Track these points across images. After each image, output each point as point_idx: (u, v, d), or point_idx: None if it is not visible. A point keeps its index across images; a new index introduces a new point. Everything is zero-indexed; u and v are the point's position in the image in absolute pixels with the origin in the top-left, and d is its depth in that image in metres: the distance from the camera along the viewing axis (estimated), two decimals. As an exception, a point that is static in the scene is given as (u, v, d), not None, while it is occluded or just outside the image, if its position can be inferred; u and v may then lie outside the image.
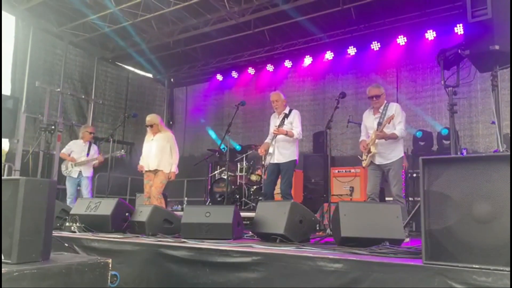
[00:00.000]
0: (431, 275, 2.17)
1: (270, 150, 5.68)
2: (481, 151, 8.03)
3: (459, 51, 4.12)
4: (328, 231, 4.06)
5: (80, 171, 7.41)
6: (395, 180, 4.79)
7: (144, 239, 3.66)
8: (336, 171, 7.70)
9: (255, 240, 4.00)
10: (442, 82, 4.19)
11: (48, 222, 2.67)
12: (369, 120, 5.06)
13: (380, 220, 3.40)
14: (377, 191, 4.93)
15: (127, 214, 4.70)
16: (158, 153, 6.24)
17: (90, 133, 7.70)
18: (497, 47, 3.08)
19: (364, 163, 5.01)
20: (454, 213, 2.21)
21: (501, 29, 3.12)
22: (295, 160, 5.70)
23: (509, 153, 2.08)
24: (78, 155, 7.45)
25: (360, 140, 5.19)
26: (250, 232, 4.22)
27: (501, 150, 3.07)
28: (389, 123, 4.70)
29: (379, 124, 4.83)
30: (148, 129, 6.48)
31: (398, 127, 4.81)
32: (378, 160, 4.88)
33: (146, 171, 6.34)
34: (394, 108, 4.87)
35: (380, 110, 4.95)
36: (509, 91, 5.57)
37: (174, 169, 6.27)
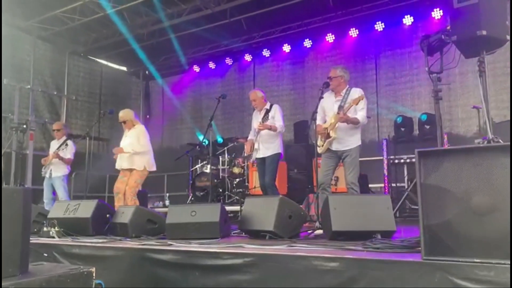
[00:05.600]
0: (431, 271, 2.10)
1: (256, 146, 5.68)
2: (462, 134, 8.12)
3: (443, 37, 4.07)
4: (317, 224, 3.98)
5: (51, 171, 7.06)
6: (351, 168, 4.58)
7: (128, 242, 3.51)
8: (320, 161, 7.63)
9: (243, 237, 3.90)
10: (427, 68, 4.13)
11: (25, 233, 2.50)
12: (329, 102, 4.77)
13: (371, 212, 3.34)
14: (329, 180, 4.68)
15: (108, 215, 4.53)
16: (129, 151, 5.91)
17: (56, 130, 7.37)
18: (484, 32, 3.03)
19: (320, 149, 4.73)
20: (453, 206, 2.14)
21: (488, 14, 3.06)
22: (280, 153, 5.73)
23: (509, 143, 2.01)
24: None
25: (316, 124, 4.79)
26: (238, 229, 4.10)
27: (490, 137, 3.02)
28: (356, 104, 4.48)
29: (340, 107, 4.61)
30: (123, 125, 6.20)
31: (360, 113, 4.59)
32: (335, 146, 4.64)
33: (122, 168, 6.05)
34: (357, 93, 4.64)
35: (342, 94, 4.72)
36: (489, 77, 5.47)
37: (125, 146, 5.88)
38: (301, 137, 9.00)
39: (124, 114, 6.15)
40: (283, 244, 3.04)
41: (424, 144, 7.82)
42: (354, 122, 4.51)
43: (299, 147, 8.75)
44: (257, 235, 3.68)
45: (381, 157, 8.03)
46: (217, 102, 5.66)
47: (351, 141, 4.58)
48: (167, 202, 9.24)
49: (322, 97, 4.57)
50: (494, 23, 3.07)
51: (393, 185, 8.00)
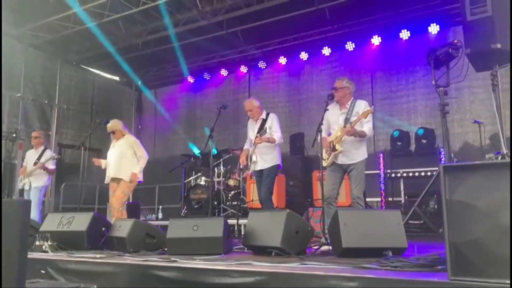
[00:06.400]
0: (459, 293, 1.99)
1: (254, 158, 5.46)
2: (457, 149, 8.10)
3: (450, 50, 4.04)
4: (323, 239, 3.85)
5: (31, 182, 6.79)
6: (357, 181, 4.46)
7: (129, 258, 3.34)
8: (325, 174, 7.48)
9: (246, 253, 3.77)
10: (433, 82, 4.10)
11: (23, 248, 2.35)
12: (334, 114, 4.65)
13: (381, 228, 3.24)
14: (335, 194, 4.53)
15: (103, 229, 4.37)
16: (118, 160, 5.74)
17: (35, 137, 7.08)
18: (499, 45, 2.98)
19: (325, 163, 4.57)
20: (481, 224, 2.04)
21: (502, 27, 3.02)
22: (278, 164, 5.53)
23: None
24: (30, 165, 6.87)
25: (322, 136, 4.62)
26: (242, 244, 3.95)
27: (504, 152, 2.96)
28: (365, 118, 4.37)
29: (347, 120, 4.50)
30: (112, 136, 6.02)
31: (366, 126, 4.47)
32: (341, 160, 4.51)
33: (110, 181, 5.84)
34: (363, 105, 4.53)
35: (347, 106, 4.60)
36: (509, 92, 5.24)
37: (137, 170, 5.74)
38: (297, 149, 8.92)
39: (113, 124, 5.99)
40: (293, 261, 2.90)
41: (421, 159, 7.79)
42: (361, 135, 4.41)
43: (295, 159, 8.68)
44: (262, 251, 3.54)
45: (378, 171, 7.96)
46: (218, 113, 5.52)
47: (357, 154, 4.47)
48: (160, 215, 9.03)
49: (327, 109, 4.46)
50: (508, 36, 3.02)
51: (390, 199, 7.92)
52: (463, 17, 3.21)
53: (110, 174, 5.79)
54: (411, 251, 3.27)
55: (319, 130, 4.22)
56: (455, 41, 4.00)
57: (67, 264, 3.31)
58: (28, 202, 2.45)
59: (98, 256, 3.46)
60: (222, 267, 2.70)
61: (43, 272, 3.00)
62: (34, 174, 6.79)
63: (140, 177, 5.88)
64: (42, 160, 6.81)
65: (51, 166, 6.87)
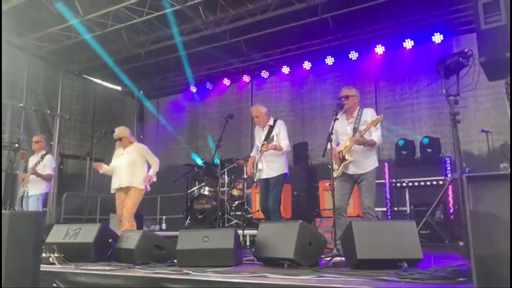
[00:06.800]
0: (486, 306, 1.95)
1: (259, 166, 5.37)
2: (462, 157, 8.07)
3: (460, 59, 4.02)
4: (335, 251, 3.79)
5: (28, 189, 6.48)
6: (368, 191, 4.40)
7: (139, 270, 3.28)
8: (327, 184, 7.40)
9: (257, 265, 3.71)
10: (444, 91, 4.07)
11: (36, 261, 2.31)
12: (341, 124, 4.59)
13: (396, 239, 3.20)
14: (345, 205, 4.47)
15: (110, 240, 4.30)
16: (131, 167, 5.57)
17: (36, 142, 6.80)
18: (514, 54, 2.95)
19: (336, 173, 4.51)
20: (507, 235, 2.00)
21: (517, 36, 2.99)
22: (285, 173, 5.42)
23: None
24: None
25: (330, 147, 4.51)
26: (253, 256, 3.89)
27: (520, 161, 2.92)
28: (374, 126, 4.33)
29: (355, 129, 4.45)
30: (117, 143, 5.85)
31: (375, 134, 4.43)
32: (351, 170, 4.45)
33: (117, 190, 5.63)
34: (370, 114, 4.51)
35: (354, 115, 4.57)
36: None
37: (152, 173, 5.63)
38: (301, 159, 8.88)
39: (121, 131, 5.81)
40: (308, 274, 2.84)
41: (426, 168, 7.75)
42: (371, 144, 4.37)
43: (299, 169, 8.63)
44: (273, 262, 3.49)
45: (383, 180, 7.90)
46: (225, 123, 5.46)
47: (368, 163, 4.42)
48: (163, 226, 8.95)
49: (337, 118, 4.42)
50: (523, 45, 2.99)
51: (395, 209, 7.86)
52: (476, 26, 3.18)
53: (121, 183, 5.56)
54: (425, 262, 3.22)
55: (329, 140, 4.18)
56: (465, 49, 3.99)
57: (76, 277, 3.25)
58: (42, 214, 2.41)
59: (108, 268, 3.40)
60: (236, 279, 2.65)
61: (55, 285, 2.94)
62: (29, 180, 6.50)
63: (154, 179, 5.73)
64: (41, 166, 6.49)
65: (47, 171, 6.53)
